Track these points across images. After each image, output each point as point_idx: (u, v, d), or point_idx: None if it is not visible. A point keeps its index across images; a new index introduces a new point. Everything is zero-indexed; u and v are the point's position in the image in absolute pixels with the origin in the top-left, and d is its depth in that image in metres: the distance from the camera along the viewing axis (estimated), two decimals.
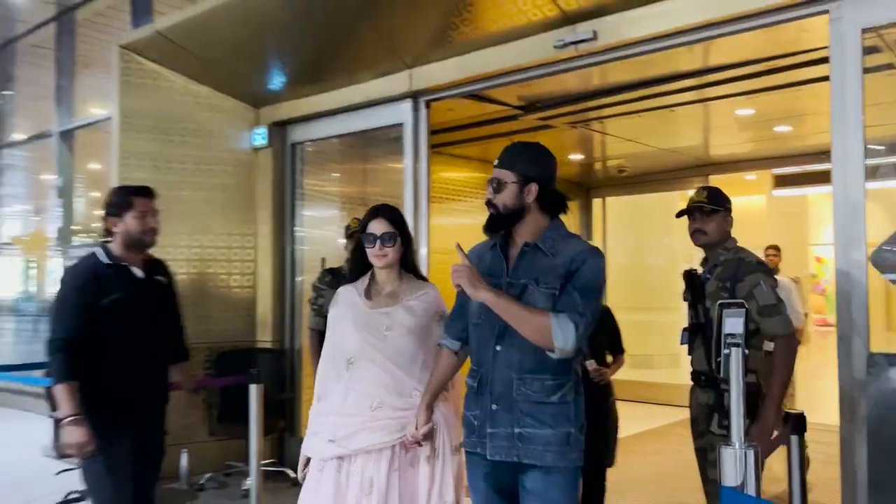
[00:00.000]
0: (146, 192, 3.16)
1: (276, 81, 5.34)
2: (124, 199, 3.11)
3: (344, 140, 5.65)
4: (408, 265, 2.81)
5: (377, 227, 2.72)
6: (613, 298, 5.90)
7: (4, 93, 9.99)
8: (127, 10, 7.50)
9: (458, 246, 2.43)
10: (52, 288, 10.25)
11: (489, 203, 2.40)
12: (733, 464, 1.90)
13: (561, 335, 2.19)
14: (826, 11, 3.23)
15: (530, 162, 2.39)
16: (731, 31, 3.50)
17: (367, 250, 2.73)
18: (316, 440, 2.73)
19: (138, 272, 3.06)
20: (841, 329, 3.12)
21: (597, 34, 3.82)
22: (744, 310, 1.92)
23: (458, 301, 2.56)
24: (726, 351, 1.89)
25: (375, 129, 5.15)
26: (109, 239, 3.10)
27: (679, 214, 3.19)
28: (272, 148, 5.58)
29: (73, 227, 8.69)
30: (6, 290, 11.31)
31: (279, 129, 5.60)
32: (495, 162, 2.43)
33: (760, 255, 3.75)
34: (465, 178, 7.52)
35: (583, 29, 3.86)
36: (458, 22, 4.21)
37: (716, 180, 7.26)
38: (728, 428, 2.37)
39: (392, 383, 2.67)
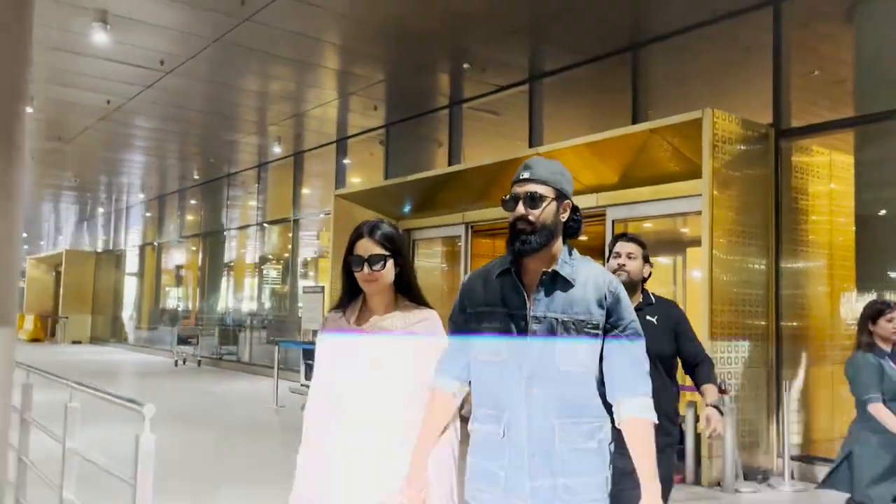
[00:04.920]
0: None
1: (405, 211, 10.78)
2: None
3: (436, 240, 11.06)
4: (404, 288, 2.40)
5: (364, 247, 2.32)
6: None
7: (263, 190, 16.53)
8: (333, 151, 13.53)
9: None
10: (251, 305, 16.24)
11: (522, 219, 2.07)
12: None
13: (653, 414, 2.08)
14: (604, 213, 8.06)
15: (563, 177, 2.15)
16: None
17: (356, 274, 2.33)
18: (300, 501, 2.34)
19: None
20: None
21: None
22: None
23: (455, 335, 2.24)
24: None
25: (451, 236, 10.49)
26: None
27: None
28: None
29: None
30: (249, 305, 17.69)
31: (408, 232, 10.84)
32: (525, 174, 2.12)
33: None
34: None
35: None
36: (471, 205, 9.45)
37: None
38: None
39: (379, 429, 2.25)
